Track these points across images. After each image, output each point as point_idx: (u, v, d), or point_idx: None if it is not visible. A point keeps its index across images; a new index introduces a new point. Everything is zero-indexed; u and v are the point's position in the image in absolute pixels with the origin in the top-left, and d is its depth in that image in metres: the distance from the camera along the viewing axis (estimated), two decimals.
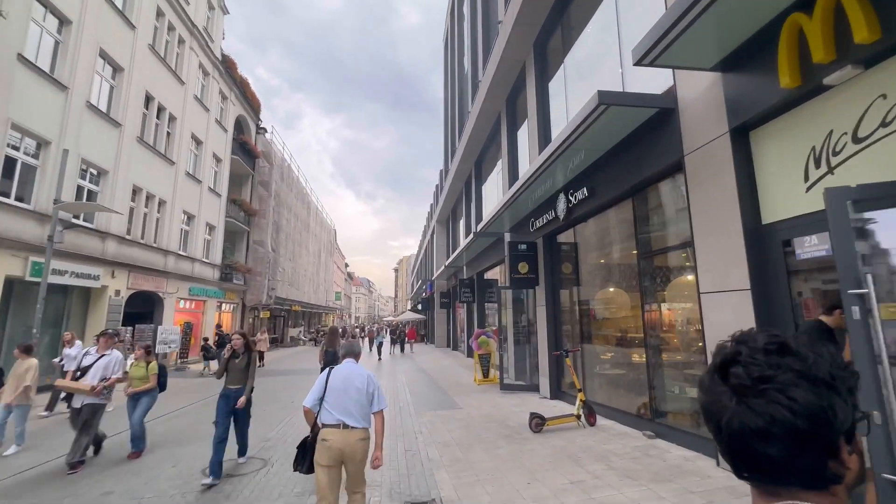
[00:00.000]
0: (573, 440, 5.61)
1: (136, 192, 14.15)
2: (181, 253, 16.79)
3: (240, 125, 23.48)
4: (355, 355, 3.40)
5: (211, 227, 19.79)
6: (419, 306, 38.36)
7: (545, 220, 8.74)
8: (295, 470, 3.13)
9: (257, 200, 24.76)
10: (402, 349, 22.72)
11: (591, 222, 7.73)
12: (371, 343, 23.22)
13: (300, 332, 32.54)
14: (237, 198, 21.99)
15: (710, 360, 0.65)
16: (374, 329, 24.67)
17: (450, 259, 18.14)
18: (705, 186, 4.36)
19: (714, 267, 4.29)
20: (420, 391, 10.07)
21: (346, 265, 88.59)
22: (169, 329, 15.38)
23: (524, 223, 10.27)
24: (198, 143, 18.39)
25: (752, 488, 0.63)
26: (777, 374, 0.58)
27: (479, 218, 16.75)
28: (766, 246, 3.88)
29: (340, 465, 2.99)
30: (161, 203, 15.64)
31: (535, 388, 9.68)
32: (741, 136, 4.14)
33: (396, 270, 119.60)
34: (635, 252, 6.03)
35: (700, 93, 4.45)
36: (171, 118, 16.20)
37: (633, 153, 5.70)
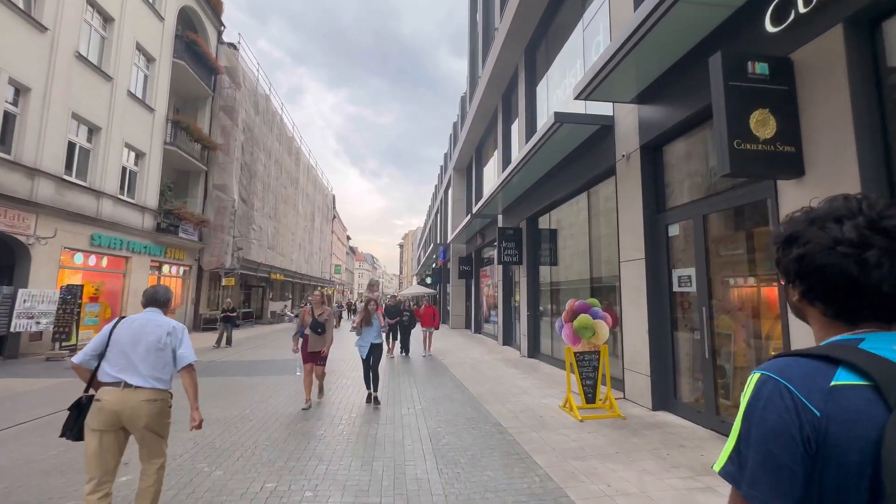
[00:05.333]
0: None
1: None
2: (68, 178, 10.86)
3: (190, 22, 17.17)
4: (159, 303, 2.76)
5: (138, 154, 13.82)
6: (428, 279, 32.60)
7: None
8: (62, 436, 2.50)
9: (219, 132, 18.67)
10: (406, 348, 10.87)
11: None
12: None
13: (285, 306, 26.95)
14: (183, 119, 15.89)
15: (846, 219, 0.66)
16: (355, 301, 13.02)
17: (483, 202, 12.14)
18: None
19: None
20: (466, 461, 4.18)
21: (349, 238, 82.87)
22: (40, 295, 9.66)
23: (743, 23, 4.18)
24: (104, 17, 12.18)
25: (833, 326, 0.68)
26: None
27: (531, 132, 10.62)
28: None
29: (118, 430, 2.46)
30: (21, 91, 9.63)
31: None
32: None
33: (401, 246, 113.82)
34: None
35: None
36: None
37: None
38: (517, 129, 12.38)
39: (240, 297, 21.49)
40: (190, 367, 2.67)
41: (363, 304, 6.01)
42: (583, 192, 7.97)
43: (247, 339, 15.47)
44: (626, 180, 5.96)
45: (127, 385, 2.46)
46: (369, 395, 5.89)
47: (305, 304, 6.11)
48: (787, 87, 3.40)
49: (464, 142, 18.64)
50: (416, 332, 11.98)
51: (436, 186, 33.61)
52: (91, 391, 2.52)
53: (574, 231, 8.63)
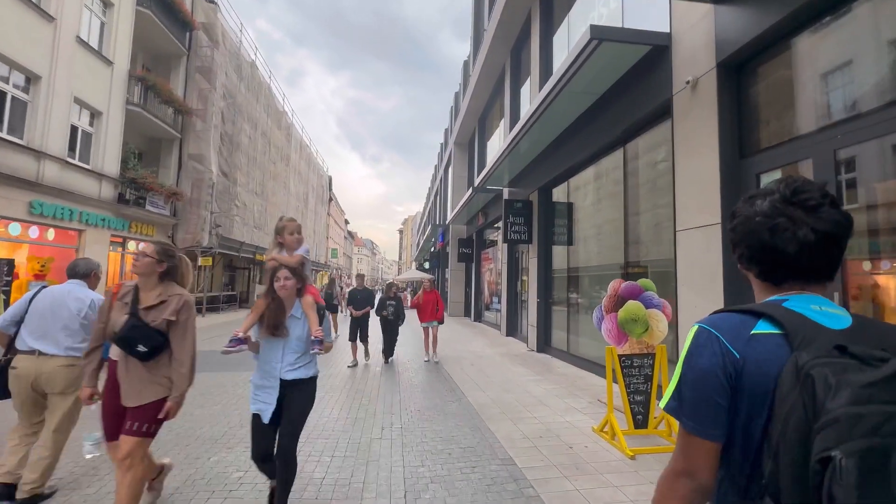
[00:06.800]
0: None
1: None
2: None
3: None
4: (79, 275, 2.80)
5: (94, 114, 12.08)
6: (426, 264, 31.05)
7: None
8: None
9: (195, 96, 16.86)
10: (390, 349, 7.64)
11: None
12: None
13: None
14: (149, 77, 14.08)
15: (767, 196, 0.79)
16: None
17: (488, 169, 10.35)
18: None
19: None
20: None
21: (347, 222, 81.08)
22: None
23: None
24: None
25: (765, 288, 0.83)
26: (828, 196, 0.76)
27: (544, 75, 8.86)
28: None
29: (40, 395, 2.57)
30: None
31: None
32: None
33: (401, 231, 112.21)
34: None
35: None
36: None
37: None
38: (528, 90, 10.65)
39: (221, 280, 19.95)
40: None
41: (267, 276, 2.55)
42: (616, 150, 6.28)
43: (224, 323, 13.96)
44: (689, 117, 4.29)
45: (42, 353, 2.53)
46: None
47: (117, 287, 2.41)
48: None
49: (466, 111, 16.85)
50: (415, 331, 9.32)
51: (435, 166, 31.80)
52: (9, 356, 2.56)
53: (601, 202, 6.98)
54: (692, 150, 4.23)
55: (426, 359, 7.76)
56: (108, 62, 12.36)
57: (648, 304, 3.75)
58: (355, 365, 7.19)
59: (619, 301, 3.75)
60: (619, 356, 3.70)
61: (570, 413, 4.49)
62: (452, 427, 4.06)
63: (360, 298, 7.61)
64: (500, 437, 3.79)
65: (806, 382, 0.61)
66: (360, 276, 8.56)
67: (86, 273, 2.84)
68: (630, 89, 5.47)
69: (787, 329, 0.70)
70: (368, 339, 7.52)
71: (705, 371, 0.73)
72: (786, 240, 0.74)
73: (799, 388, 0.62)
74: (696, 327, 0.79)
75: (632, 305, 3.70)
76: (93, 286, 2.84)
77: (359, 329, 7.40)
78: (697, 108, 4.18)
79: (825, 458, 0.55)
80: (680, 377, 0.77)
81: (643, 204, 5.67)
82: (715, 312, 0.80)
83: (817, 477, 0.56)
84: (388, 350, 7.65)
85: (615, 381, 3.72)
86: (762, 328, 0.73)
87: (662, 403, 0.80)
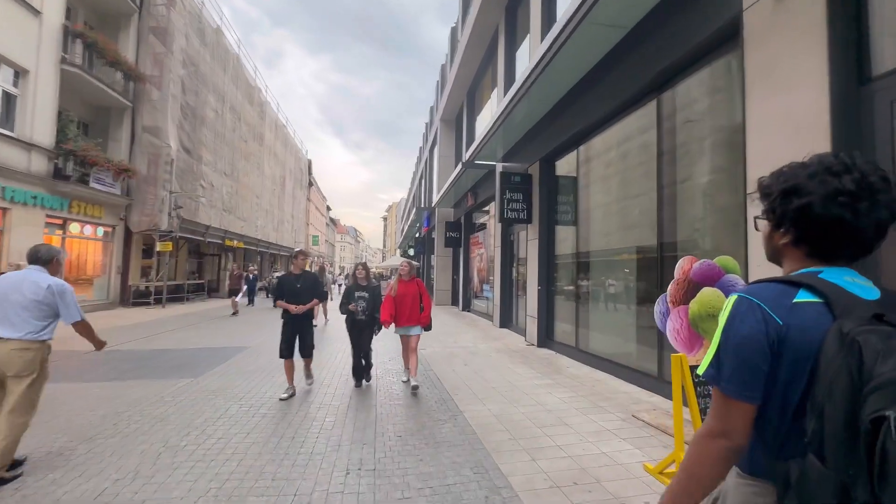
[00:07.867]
0: None
1: None
2: None
3: None
4: (41, 261, 2.84)
5: (19, 72, 10.29)
6: (410, 251, 29.71)
7: None
8: None
9: (149, 60, 14.97)
10: (367, 363, 5.02)
11: None
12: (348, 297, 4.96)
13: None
14: (88, 33, 12.20)
15: (841, 174, 0.77)
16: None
17: (482, 138, 9.01)
18: None
19: None
20: None
21: (329, 209, 78.64)
22: None
23: None
24: None
25: (805, 262, 0.84)
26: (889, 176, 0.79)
27: (547, 28, 7.56)
28: None
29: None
30: None
31: None
32: None
33: (385, 218, 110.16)
34: None
35: None
36: None
37: None
38: (527, 51, 9.37)
39: (185, 267, 18.27)
40: (78, 324, 2.84)
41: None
42: (646, 102, 5.09)
43: (185, 315, 12.47)
44: (771, 38, 3.11)
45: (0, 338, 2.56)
46: None
47: None
48: None
49: (453, 83, 15.45)
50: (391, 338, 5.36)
51: (420, 147, 30.24)
52: None
53: (625, 171, 5.80)
54: (778, 82, 3.06)
55: (405, 379, 5.19)
56: (35, 12, 10.53)
57: (729, 293, 2.60)
58: (291, 395, 4.45)
59: (690, 288, 2.59)
60: (692, 368, 2.56)
61: (604, 438, 3.36)
62: (447, 466, 2.88)
63: (301, 287, 4.58)
64: (517, 484, 2.62)
65: (852, 348, 0.65)
66: (301, 253, 4.92)
67: (47, 259, 2.86)
68: (671, 17, 4.25)
69: (830, 298, 0.74)
70: (313, 351, 4.75)
71: (748, 337, 0.76)
72: (869, 223, 0.76)
73: (845, 353, 0.65)
74: (734, 297, 0.81)
75: (708, 295, 2.55)
76: (54, 272, 2.87)
77: (296, 336, 4.57)
78: (786, 22, 3.00)
79: (878, 418, 0.58)
80: (719, 344, 0.79)
81: (686, 168, 4.52)
82: (752, 283, 0.84)
83: (868, 436, 0.59)
84: (361, 367, 4.97)
85: (685, 402, 2.58)
86: (803, 297, 0.76)
87: (700, 370, 0.83)
